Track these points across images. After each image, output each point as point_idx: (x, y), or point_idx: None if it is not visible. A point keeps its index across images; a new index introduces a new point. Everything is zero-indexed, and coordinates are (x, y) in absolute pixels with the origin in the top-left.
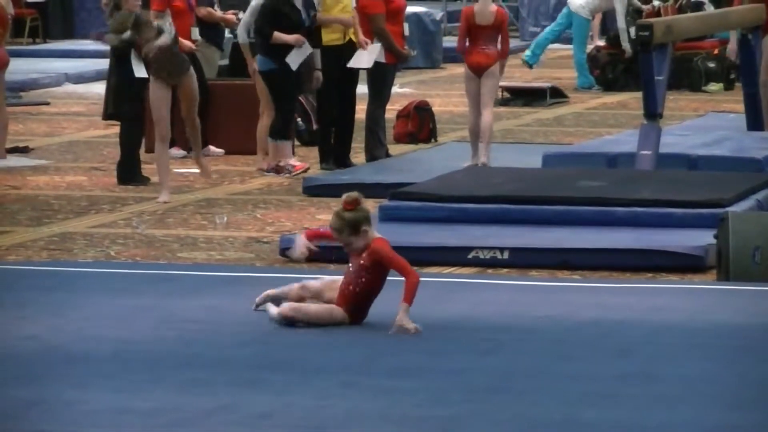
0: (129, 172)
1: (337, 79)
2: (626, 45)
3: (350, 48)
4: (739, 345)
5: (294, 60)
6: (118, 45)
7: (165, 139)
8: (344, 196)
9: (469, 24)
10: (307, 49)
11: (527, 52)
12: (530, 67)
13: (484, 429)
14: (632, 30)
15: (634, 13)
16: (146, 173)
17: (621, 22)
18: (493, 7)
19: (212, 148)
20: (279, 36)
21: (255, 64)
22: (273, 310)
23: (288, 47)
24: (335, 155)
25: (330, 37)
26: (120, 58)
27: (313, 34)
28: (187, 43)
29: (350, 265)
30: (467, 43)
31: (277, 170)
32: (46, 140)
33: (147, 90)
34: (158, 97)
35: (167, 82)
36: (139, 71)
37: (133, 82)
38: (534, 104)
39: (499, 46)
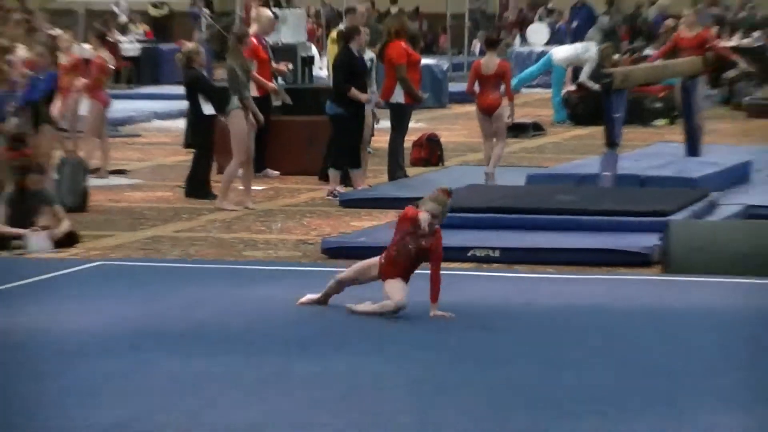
0: (196, 188)
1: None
2: (592, 84)
3: None
4: (677, 322)
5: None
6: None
7: (250, 161)
8: (442, 188)
9: (477, 73)
10: (372, 97)
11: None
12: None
13: (479, 390)
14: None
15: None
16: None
17: (584, 76)
18: (497, 60)
19: (269, 170)
20: (354, 93)
21: None
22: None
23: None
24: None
25: None
26: (193, 98)
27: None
28: (271, 85)
29: (407, 244)
30: (477, 89)
31: (332, 194)
32: (140, 164)
33: (215, 123)
34: (244, 127)
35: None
36: (207, 109)
37: (203, 118)
38: (520, 136)
39: (502, 90)
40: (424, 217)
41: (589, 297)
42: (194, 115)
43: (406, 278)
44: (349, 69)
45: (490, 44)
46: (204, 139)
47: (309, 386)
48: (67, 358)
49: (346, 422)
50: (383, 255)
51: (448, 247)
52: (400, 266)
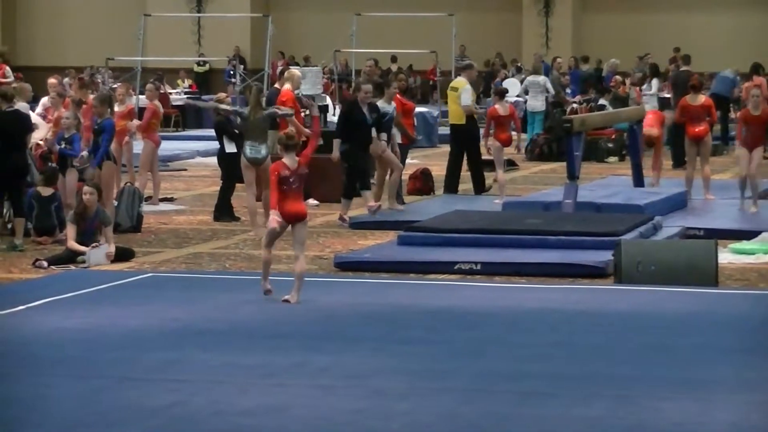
0: (223, 213)
1: None
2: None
3: None
4: (625, 323)
5: None
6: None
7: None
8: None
9: (494, 116)
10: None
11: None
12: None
13: (465, 378)
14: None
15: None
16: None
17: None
18: (507, 105)
19: (311, 200)
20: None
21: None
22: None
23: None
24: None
25: None
26: (220, 139)
27: (378, 125)
28: (306, 131)
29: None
30: (493, 127)
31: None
32: (185, 193)
33: (237, 159)
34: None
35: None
36: (229, 148)
37: (226, 155)
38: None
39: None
40: None
41: (555, 302)
42: (220, 152)
43: None
44: (346, 118)
45: (501, 95)
46: (227, 172)
47: (325, 375)
48: (124, 351)
49: (356, 405)
50: None
51: (438, 262)
52: None
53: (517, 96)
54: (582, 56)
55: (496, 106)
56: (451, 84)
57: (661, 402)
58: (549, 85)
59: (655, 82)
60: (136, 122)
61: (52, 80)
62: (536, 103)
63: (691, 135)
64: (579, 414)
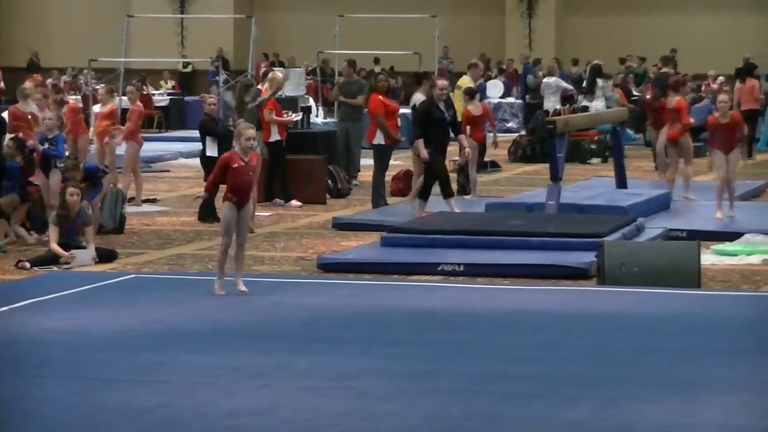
0: (207, 214)
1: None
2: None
3: None
4: (609, 324)
5: None
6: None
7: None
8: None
9: (469, 116)
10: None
11: None
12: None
13: (447, 379)
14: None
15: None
16: None
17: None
18: (479, 104)
19: (294, 202)
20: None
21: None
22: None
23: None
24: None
25: None
26: (203, 139)
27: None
28: (292, 118)
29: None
30: (468, 127)
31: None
32: (168, 194)
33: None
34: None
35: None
36: (210, 151)
37: (207, 158)
38: (480, 172)
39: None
40: None
41: (538, 303)
42: (203, 153)
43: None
44: (426, 115)
45: (471, 95)
46: (209, 173)
47: (309, 376)
48: (109, 353)
49: (341, 406)
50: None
51: (422, 263)
52: None
53: (500, 97)
54: (572, 59)
55: (469, 107)
56: (458, 83)
57: (647, 403)
58: (563, 84)
59: (598, 82)
60: (120, 136)
61: (28, 84)
62: (549, 104)
63: (667, 137)
64: (565, 415)
